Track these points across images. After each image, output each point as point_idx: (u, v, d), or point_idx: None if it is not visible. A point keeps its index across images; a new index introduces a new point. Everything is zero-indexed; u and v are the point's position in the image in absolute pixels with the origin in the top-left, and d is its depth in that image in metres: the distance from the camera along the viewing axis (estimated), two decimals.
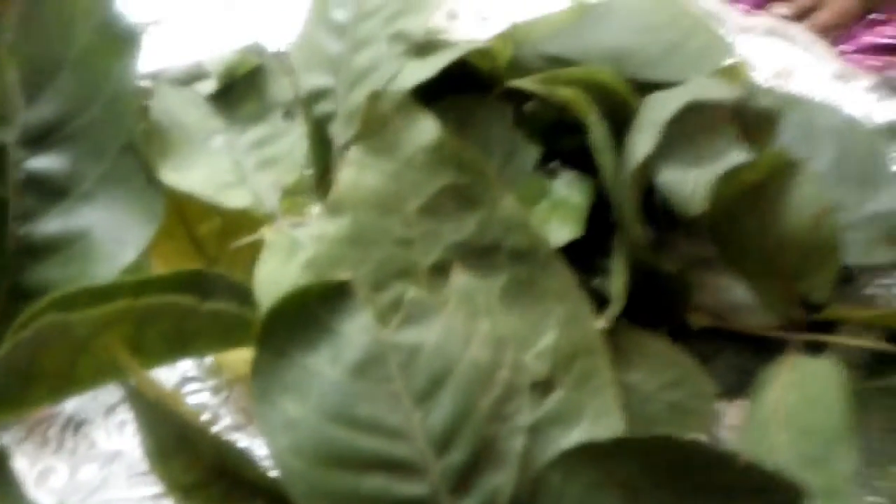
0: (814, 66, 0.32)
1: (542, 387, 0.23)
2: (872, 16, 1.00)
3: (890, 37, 0.98)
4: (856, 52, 1.00)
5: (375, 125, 0.23)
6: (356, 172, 0.23)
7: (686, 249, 0.29)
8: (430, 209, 0.23)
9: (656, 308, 0.27)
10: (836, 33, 1.05)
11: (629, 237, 0.26)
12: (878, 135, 0.29)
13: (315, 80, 0.27)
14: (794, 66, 0.31)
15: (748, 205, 0.26)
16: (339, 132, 0.27)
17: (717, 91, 0.25)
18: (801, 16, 1.05)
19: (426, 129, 0.23)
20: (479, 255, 0.24)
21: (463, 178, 0.24)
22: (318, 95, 0.27)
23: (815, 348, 0.27)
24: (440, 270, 0.23)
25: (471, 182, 0.24)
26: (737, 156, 0.26)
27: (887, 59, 0.99)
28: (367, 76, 0.27)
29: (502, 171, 0.28)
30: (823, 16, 1.05)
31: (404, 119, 0.24)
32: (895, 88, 0.31)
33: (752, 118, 0.25)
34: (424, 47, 0.27)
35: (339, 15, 0.28)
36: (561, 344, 0.23)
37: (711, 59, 0.28)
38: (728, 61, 0.28)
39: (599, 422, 0.23)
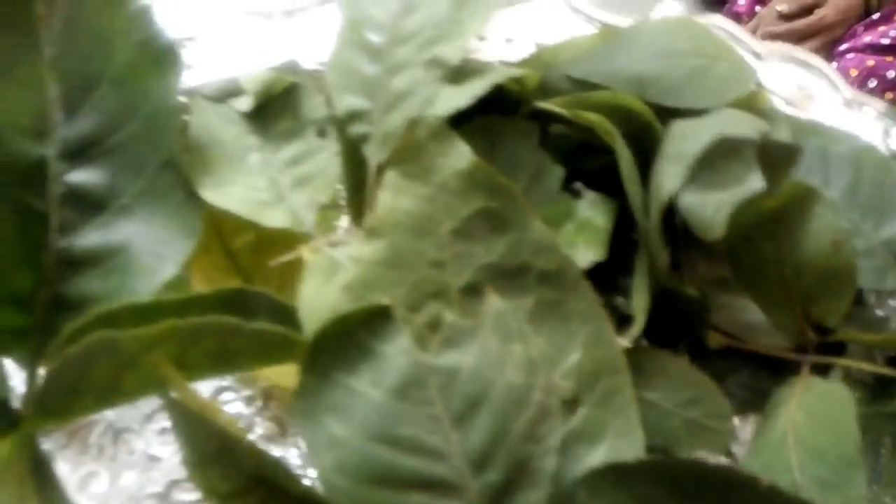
0: (827, 93, 0.33)
1: (569, 405, 0.24)
2: (875, 16, 1.01)
3: (890, 37, 0.99)
4: (855, 51, 1.01)
5: (412, 151, 0.24)
6: (392, 196, 0.24)
7: (703, 270, 0.30)
8: (462, 232, 0.24)
9: (675, 327, 0.28)
10: (837, 32, 1.06)
11: (653, 261, 0.27)
12: (891, 162, 0.30)
13: (350, 101, 0.28)
14: (807, 92, 0.32)
15: (766, 230, 0.27)
16: (374, 153, 0.27)
17: (745, 126, 0.26)
18: (801, 13, 1.06)
19: (460, 154, 0.24)
20: (509, 276, 0.24)
21: (495, 202, 0.24)
22: (353, 116, 0.28)
23: (823, 369, 0.28)
24: (472, 291, 0.24)
25: (502, 206, 0.25)
26: (757, 183, 0.27)
27: (880, 58, 1.00)
28: (404, 100, 0.27)
29: (528, 192, 0.29)
30: (824, 13, 1.06)
31: (439, 145, 0.24)
32: None
33: (773, 149, 0.26)
34: (458, 71, 0.27)
35: (375, 38, 0.28)
36: (585, 363, 0.24)
37: (735, 87, 0.29)
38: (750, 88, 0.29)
39: (622, 439, 0.24)
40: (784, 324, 0.27)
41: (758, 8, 1.06)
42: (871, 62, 1.02)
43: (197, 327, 0.24)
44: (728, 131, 0.26)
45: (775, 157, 0.25)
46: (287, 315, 0.25)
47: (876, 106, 0.32)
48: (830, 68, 0.32)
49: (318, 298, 0.24)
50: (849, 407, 0.25)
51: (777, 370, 0.28)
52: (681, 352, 0.28)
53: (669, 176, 0.26)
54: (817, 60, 0.33)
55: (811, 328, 0.27)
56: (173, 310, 0.25)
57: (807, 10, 1.09)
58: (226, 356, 0.25)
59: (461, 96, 0.27)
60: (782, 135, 0.28)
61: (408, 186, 0.24)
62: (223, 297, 0.25)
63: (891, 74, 1.03)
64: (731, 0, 1.05)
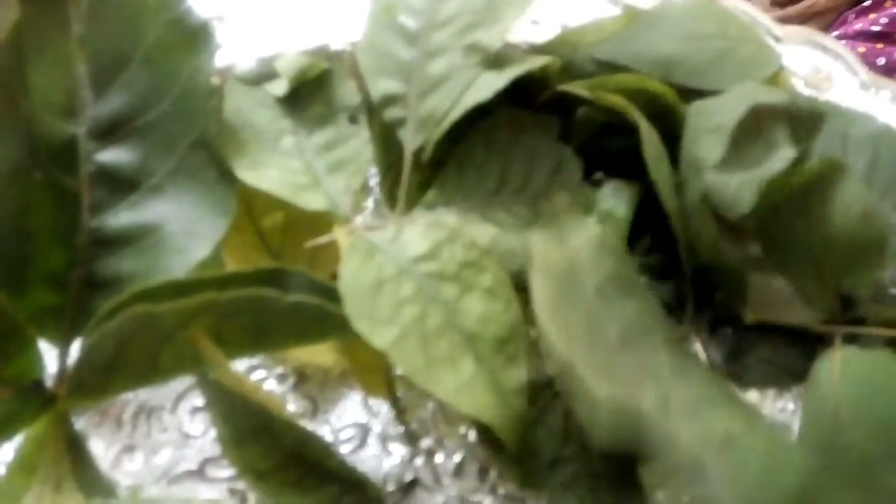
0: (844, 76, 0.33)
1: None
2: (866, 3, 1.02)
3: (881, 24, 1.00)
4: (846, 38, 1.02)
5: (550, 219, 0.27)
6: (542, 251, 0.25)
7: (726, 247, 0.30)
8: (601, 291, 0.25)
9: (714, 303, 0.29)
10: (829, 17, 1.07)
11: (700, 242, 0.27)
12: None
13: (385, 85, 0.28)
14: (825, 75, 0.33)
15: (795, 205, 0.27)
16: (410, 137, 0.28)
17: (772, 97, 0.26)
18: (792, 0, 1.07)
19: (588, 227, 0.27)
20: (642, 335, 0.25)
21: (623, 270, 0.26)
22: (388, 100, 0.28)
23: (849, 341, 0.29)
24: (624, 343, 0.25)
25: (627, 275, 0.26)
26: (786, 157, 0.27)
27: (871, 45, 1.01)
28: (441, 85, 0.28)
29: (550, 184, 0.29)
30: (815, 0, 1.06)
31: (572, 216, 0.27)
32: None
33: (800, 114, 0.27)
34: (490, 56, 0.28)
35: (410, 22, 0.28)
36: (735, 412, 0.24)
37: (759, 69, 0.29)
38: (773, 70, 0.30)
39: None
40: (814, 297, 0.28)
41: None
42: (861, 49, 1.03)
43: (235, 301, 0.24)
44: (759, 101, 0.26)
45: (803, 121, 0.26)
46: (326, 293, 0.25)
47: (893, 89, 0.33)
48: (848, 51, 0.33)
49: (358, 278, 0.24)
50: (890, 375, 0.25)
51: (802, 345, 0.28)
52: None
53: (708, 148, 0.26)
54: (835, 44, 0.34)
55: (840, 300, 0.28)
56: (211, 286, 0.24)
57: None
58: (263, 332, 0.25)
59: (499, 80, 0.27)
60: (805, 109, 0.29)
61: (552, 248, 0.26)
62: (261, 275, 0.25)
63: (881, 61, 1.04)
64: None
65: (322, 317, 0.25)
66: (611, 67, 0.30)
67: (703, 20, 0.30)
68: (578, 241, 0.26)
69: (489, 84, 0.27)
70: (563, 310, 0.24)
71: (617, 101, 0.29)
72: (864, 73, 0.33)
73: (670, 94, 0.29)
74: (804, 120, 0.27)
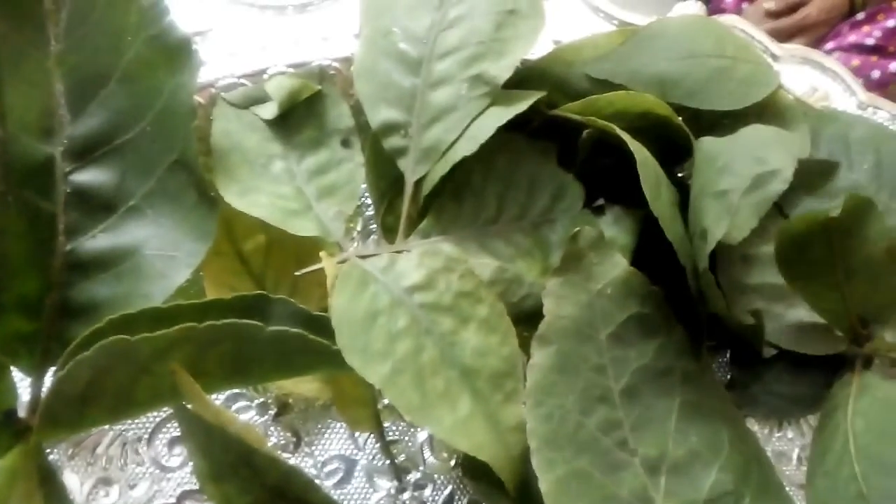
0: (841, 95, 0.32)
1: (734, 497, 0.25)
2: (860, 15, 1.01)
3: (874, 37, 1.00)
4: (841, 50, 1.02)
5: (574, 260, 0.26)
6: (556, 304, 0.25)
7: (738, 275, 0.29)
8: (618, 337, 0.26)
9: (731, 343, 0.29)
10: (822, 31, 1.06)
11: (708, 301, 0.27)
12: None
13: (386, 114, 0.27)
14: (823, 93, 0.32)
15: (821, 238, 0.27)
16: (411, 167, 0.27)
17: (780, 149, 0.26)
18: (786, 11, 1.07)
19: (616, 264, 0.26)
20: (658, 378, 0.26)
21: (646, 307, 0.26)
22: (388, 129, 0.27)
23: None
24: (630, 395, 0.25)
25: (652, 311, 0.26)
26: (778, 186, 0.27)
27: (865, 58, 1.01)
28: (445, 116, 0.27)
29: (550, 211, 0.28)
30: (808, 12, 1.06)
31: (598, 255, 0.26)
32: None
33: (813, 166, 0.27)
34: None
35: (410, 50, 0.27)
36: (735, 458, 0.25)
37: (758, 89, 0.29)
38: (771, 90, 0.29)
39: None
40: (836, 322, 0.28)
41: (744, 5, 1.06)
42: (856, 62, 1.03)
43: (215, 330, 0.23)
44: (767, 159, 0.26)
45: (816, 172, 0.26)
46: (309, 323, 0.24)
47: (889, 108, 0.32)
48: (847, 71, 0.32)
49: (351, 309, 0.23)
50: None
51: (824, 369, 0.28)
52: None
53: (714, 219, 0.26)
54: (833, 63, 0.33)
55: (861, 328, 0.27)
56: (190, 315, 0.24)
57: (793, 8, 1.10)
58: (244, 363, 0.24)
59: (507, 113, 0.26)
60: (805, 139, 0.28)
61: (570, 294, 0.25)
62: (242, 302, 0.24)
63: (875, 74, 1.04)
64: None
65: (306, 348, 0.24)
66: (606, 85, 0.29)
67: (700, 38, 0.29)
68: (601, 282, 0.25)
69: (497, 117, 0.26)
70: (559, 383, 0.25)
71: (604, 125, 0.28)
72: (862, 93, 0.32)
73: (670, 114, 0.29)
74: (818, 170, 0.28)
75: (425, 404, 0.23)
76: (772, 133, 0.27)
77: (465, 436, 0.23)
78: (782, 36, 1.08)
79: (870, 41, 1.07)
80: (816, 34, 1.13)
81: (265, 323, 0.24)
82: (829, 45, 1.10)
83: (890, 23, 1.04)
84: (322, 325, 0.24)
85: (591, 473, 0.24)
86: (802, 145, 0.28)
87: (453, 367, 0.24)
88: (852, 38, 1.09)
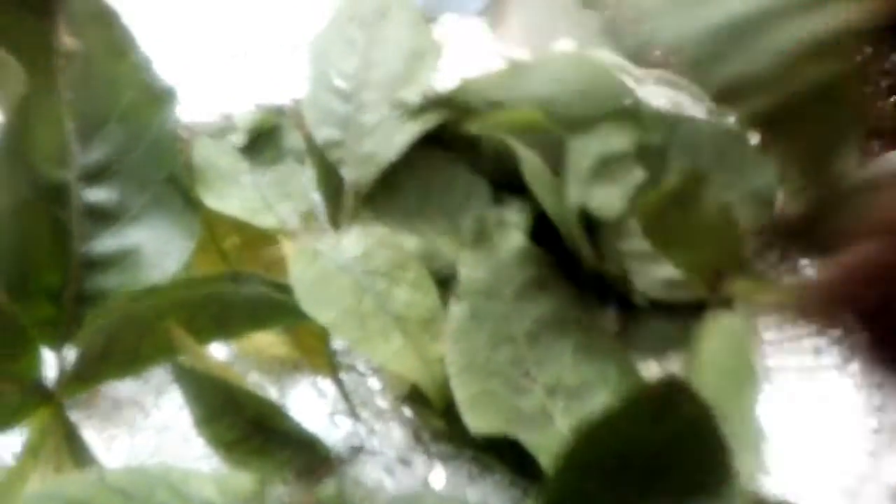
0: (692, 107, 0.41)
1: None
2: None
3: None
4: None
5: (481, 237, 0.33)
6: (468, 269, 0.32)
7: (617, 243, 0.37)
8: (519, 294, 0.32)
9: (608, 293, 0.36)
10: None
11: (583, 260, 0.34)
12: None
13: (327, 133, 0.36)
14: (678, 106, 0.41)
15: (671, 206, 0.34)
16: (349, 173, 0.35)
17: (620, 140, 0.35)
18: None
19: (514, 238, 0.34)
20: (553, 325, 0.32)
21: (541, 271, 0.33)
22: (330, 145, 0.36)
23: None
24: (532, 337, 0.32)
25: (546, 273, 0.33)
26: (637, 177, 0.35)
27: None
28: (373, 133, 0.36)
29: (463, 207, 0.36)
30: None
31: (500, 233, 0.34)
32: None
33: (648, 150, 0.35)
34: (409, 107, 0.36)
35: (342, 84, 0.37)
36: (622, 387, 0.32)
37: (613, 101, 0.37)
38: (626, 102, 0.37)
39: None
40: (694, 275, 0.35)
41: None
42: None
43: (202, 296, 0.30)
44: (606, 148, 0.34)
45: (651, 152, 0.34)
46: (273, 287, 0.31)
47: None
48: (693, 86, 0.41)
49: (305, 275, 0.31)
50: (744, 331, 0.32)
51: (691, 315, 0.35)
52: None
53: (573, 189, 0.34)
54: (683, 81, 0.42)
55: (716, 278, 0.35)
56: (184, 286, 0.31)
57: None
58: (226, 321, 0.31)
59: (417, 128, 0.35)
60: (654, 137, 0.37)
61: (479, 262, 0.33)
62: (224, 276, 0.31)
63: None
64: None
65: (272, 305, 0.31)
66: (503, 107, 0.38)
67: (569, 69, 0.38)
68: (505, 251, 0.33)
69: (412, 131, 0.35)
70: (472, 329, 0.31)
71: (499, 136, 0.36)
72: (711, 104, 0.41)
73: (546, 122, 0.37)
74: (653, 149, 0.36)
75: (366, 338, 0.30)
76: (616, 129, 0.35)
77: (398, 363, 0.30)
78: None
79: None
80: None
81: (239, 289, 0.31)
82: None
83: None
84: (284, 290, 0.31)
85: (500, 393, 0.31)
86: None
87: (388, 315, 0.31)
88: None
